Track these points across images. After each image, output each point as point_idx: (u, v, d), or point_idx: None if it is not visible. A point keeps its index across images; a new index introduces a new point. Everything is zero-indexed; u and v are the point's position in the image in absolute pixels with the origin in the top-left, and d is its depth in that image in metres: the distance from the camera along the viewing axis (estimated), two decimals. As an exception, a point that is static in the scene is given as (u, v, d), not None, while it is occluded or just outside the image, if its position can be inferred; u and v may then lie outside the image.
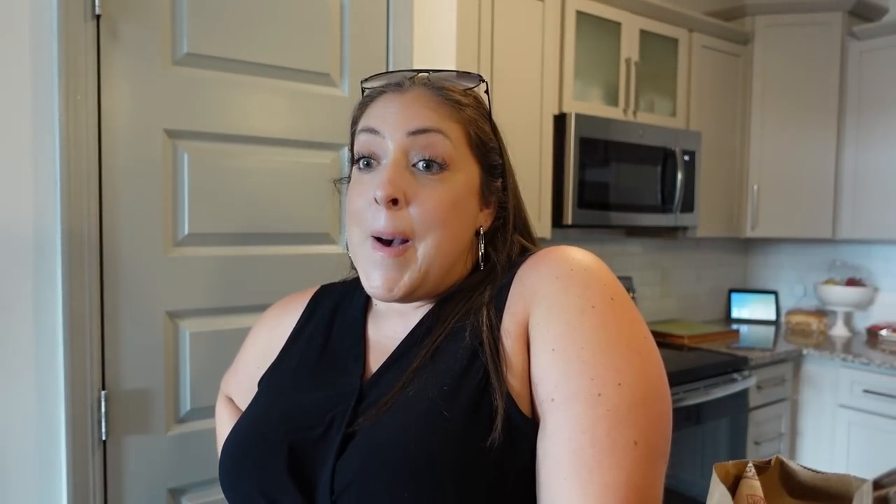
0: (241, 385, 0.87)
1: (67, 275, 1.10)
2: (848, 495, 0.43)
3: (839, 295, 2.96)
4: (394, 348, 0.67)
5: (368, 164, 0.66)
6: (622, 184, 2.39)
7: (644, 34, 2.51)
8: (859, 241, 3.00)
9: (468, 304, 0.65)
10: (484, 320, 0.61)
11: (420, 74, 0.69)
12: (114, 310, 1.17)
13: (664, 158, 2.51)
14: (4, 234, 1.06)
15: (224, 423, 0.88)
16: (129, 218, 1.18)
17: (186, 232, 1.24)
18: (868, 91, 2.79)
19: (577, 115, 2.23)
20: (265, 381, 0.75)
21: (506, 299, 0.62)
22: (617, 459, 0.51)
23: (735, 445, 2.41)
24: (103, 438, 1.16)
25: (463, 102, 0.68)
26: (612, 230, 2.90)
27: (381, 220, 0.63)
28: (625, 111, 2.47)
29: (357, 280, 0.73)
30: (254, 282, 1.31)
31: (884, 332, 2.88)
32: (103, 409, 1.15)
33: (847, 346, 2.71)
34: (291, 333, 0.78)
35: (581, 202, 2.27)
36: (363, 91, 0.72)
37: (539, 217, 2.23)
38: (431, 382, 0.59)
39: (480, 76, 0.70)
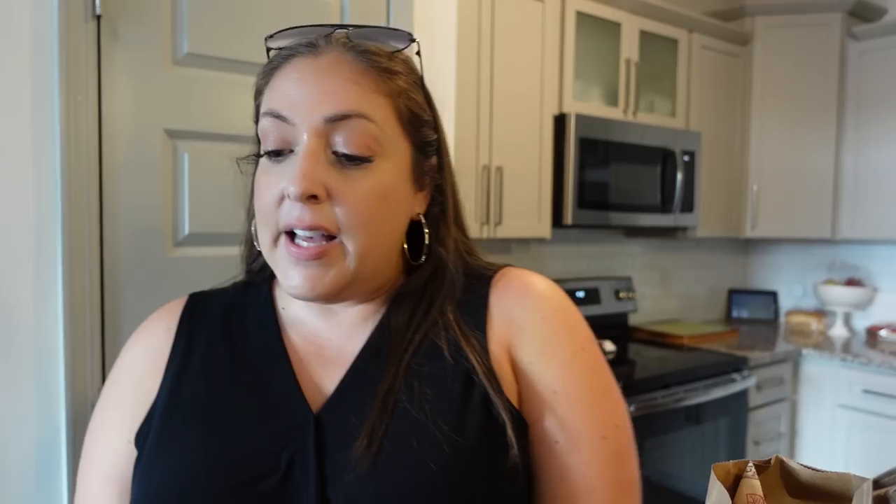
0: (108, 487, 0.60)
1: (68, 275, 1.10)
2: (848, 494, 0.43)
3: (839, 295, 2.96)
4: (335, 358, 0.59)
5: (278, 153, 0.56)
6: (622, 184, 2.39)
7: (644, 34, 2.51)
8: (859, 241, 3.00)
9: (430, 315, 0.59)
10: (465, 342, 0.57)
11: (338, 32, 0.57)
12: (114, 310, 1.17)
13: (664, 158, 2.51)
14: (4, 233, 1.06)
15: None
16: (129, 218, 1.18)
17: (186, 232, 1.24)
18: (867, 91, 2.79)
19: (577, 116, 2.23)
20: (163, 429, 0.57)
21: (485, 322, 0.59)
22: (625, 493, 0.56)
23: (735, 445, 2.41)
24: (103, 438, 1.16)
25: (392, 70, 0.57)
26: (611, 230, 2.90)
27: (296, 212, 0.53)
28: (625, 111, 2.47)
29: (244, 284, 0.68)
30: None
31: (883, 333, 2.88)
32: (103, 409, 1.15)
33: (846, 347, 2.71)
34: (172, 362, 0.61)
35: (581, 202, 2.27)
36: (268, 52, 0.61)
37: (539, 217, 2.23)
38: (425, 409, 0.53)
39: (411, 35, 0.60)
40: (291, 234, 0.55)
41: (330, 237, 0.54)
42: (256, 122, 0.61)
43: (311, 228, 0.53)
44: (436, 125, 0.63)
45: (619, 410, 0.58)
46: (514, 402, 0.57)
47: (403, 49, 0.60)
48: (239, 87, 1.29)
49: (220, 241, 1.29)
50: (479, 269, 0.64)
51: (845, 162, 2.86)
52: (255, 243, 0.62)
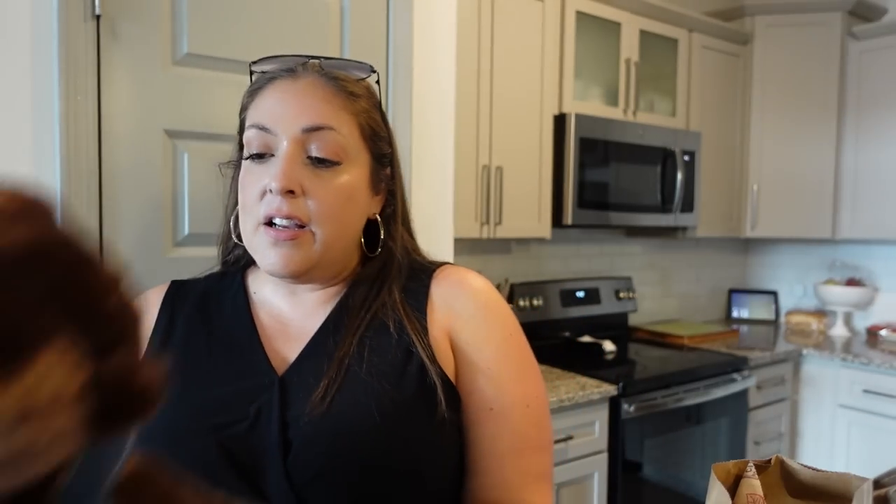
0: None
1: (67, 275, 1.10)
2: (848, 494, 0.43)
3: (839, 295, 2.96)
4: (297, 334, 0.70)
5: (260, 156, 0.67)
6: (622, 184, 2.39)
7: (644, 34, 2.51)
8: (859, 241, 3.00)
9: (380, 298, 0.70)
10: (408, 321, 0.69)
11: (312, 61, 0.70)
12: (114, 310, 1.17)
13: (664, 158, 2.51)
14: (4, 234, 1.06)
15: None
16: (129, 218, 1.18)
17: (186, 232, 1.24)
18: (868, 91, 2.79)
19: (577, 116, 2.23)
20: None
21: (425, 306, 0.71)
22: (543, 451, 0.70)
23: (735, 445, 2.41)
24: (103, 438, 1.16)
25: (356, 93, 0.70)
26: (611, 230, 2.90)
27: (275, 204, 0.64)
28: (625, 111, 2.47)
29: (220, 274, 0.79)
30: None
31: (883, 332, 2.88)
32: (103, 409, 1.15)
33: (847, 346, 2.71)
34: (156, 335, 0.72)
35: (581, 202, 2.27)
36: (251, 75, 0.73)
37: (539, 217, 2.23)
38: (372, 372, 0.64)
39: (372, 67, 0.73)
40: (270, 224, 0.66)
41: (301, 226, 0.65)
42: (240, 132, 0.72)
43: (288, 217, 0.64)
44: (390, 140, 0.75)
45: (539, 385, 0.72)
46: (451, 374, 0.69)
47: (366, 78, 0.73)
48: (238, 88, 1.28)
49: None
50: (423, 264, 0.76)
51: (846, 161, 2.86)
52: (233, 236, 0.74)
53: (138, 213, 1.19)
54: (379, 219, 0.74)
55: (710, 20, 2.71)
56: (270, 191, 0.64)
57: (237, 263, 0.79)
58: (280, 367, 0.67)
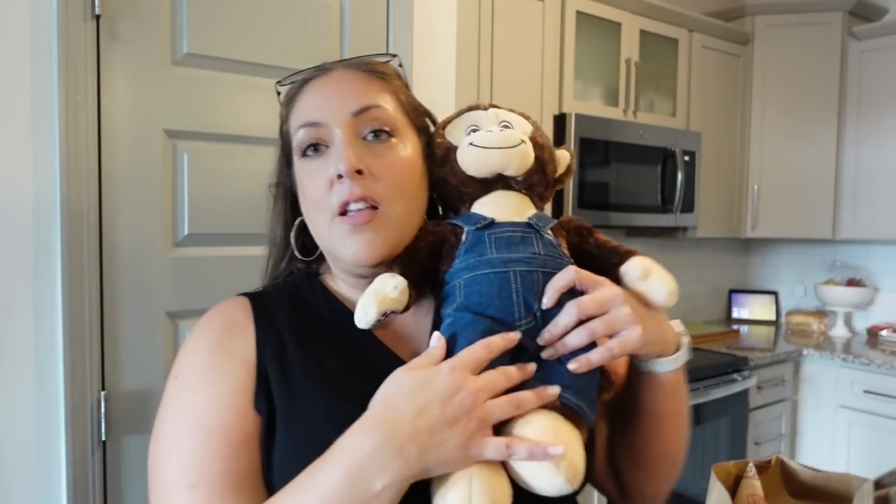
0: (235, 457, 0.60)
1: (67, 275, 1.10)
2: (849, 495, 0.42)
3: (839, 295, 2.96)
4: (402, 328, 0.69)
5: (316, 150, 0.67)
6: (622, 184, 2.39)
7: (644, 34, 2.51)
8: (859, 241, 3.00)
9: None
10: None
11: (337, 61, 0.72)
12: (114, 310, 1.17)
13: (664, 158, 2.51)
14: (5, 234, 1.06)
15: None
16: (129, 218, 1.18)
17: (186, 232, 1.24)
18: (868, 91, 2.79)
19: (577, 116, 2.23)
20: (293, 406, 0.62)
21: None
22: None
23: (735, 446, 2.41)
24: (103, 439, 1.16)
25: (387, 73, 0.72)
26: (612, 230, 2.90)
27: (346, 188, 0.63)
28: (625, 111, 2.47)
29: (293, 283, 0.74)
30: (253, 282, 1.31)
31: (884, 333, 2.87)
32: (103, 410, 1.15)
33: (847, 347, 2.71)
34: (265, 347, 0.65)
35: (581, 202, 2.27)
36: (279, 95, 0.74)
37: (539, 217, 2.23)
38: None
39: (393, 54, 0.76)
40: (344, 214, 0.65)
41: (374, 207, 0.64)
42: (283, 148, 0.72)
43: (362, 199, 0.64)
44: (428, 114, 0.75)
45: None
46: None
47: (388, 62, 0.75)
48: (238, 87, 1.28)
49: (219, 242, 1.29)
50: None
51: (846, 162, 2.86)
52: (294, 249, 0.73)
53: (138, 213, 1.19)
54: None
55: (710, 20, 2.71)
56: (339, 176, 0.63)
57: (309, 266, 0.76)
58: (410, 359, 0.61)
